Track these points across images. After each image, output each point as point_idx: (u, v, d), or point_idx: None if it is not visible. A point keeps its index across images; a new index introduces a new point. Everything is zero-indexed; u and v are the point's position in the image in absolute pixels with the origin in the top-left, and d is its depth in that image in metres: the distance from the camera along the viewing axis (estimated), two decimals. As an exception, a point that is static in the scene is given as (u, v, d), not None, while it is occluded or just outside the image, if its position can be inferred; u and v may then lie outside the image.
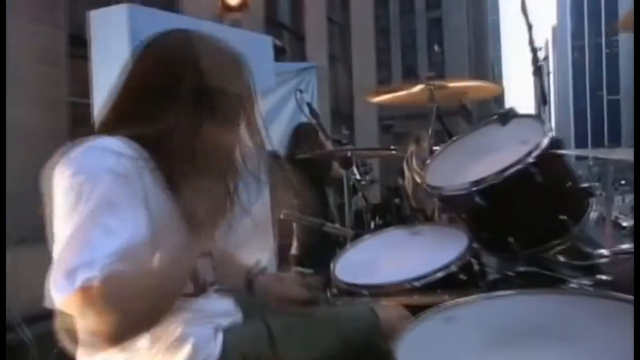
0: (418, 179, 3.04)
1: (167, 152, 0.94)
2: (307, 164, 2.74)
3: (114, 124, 0.99)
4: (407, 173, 3.66)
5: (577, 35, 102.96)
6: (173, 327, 0.98)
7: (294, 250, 3.11)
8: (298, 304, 1.22)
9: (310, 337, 1.12)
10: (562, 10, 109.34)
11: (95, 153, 0.89)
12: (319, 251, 2.29)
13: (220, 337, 1.04)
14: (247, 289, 1.27)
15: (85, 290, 0.75)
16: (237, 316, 1.14)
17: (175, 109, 0.96)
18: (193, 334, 1.00)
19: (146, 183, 0.91)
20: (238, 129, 1.03)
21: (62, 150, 0.92)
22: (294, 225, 2.95)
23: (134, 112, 0.98)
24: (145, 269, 0.83)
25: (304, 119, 5.57)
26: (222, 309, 1.11)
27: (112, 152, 0.89)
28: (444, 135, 2.55)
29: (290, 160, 2.92)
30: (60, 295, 0.77)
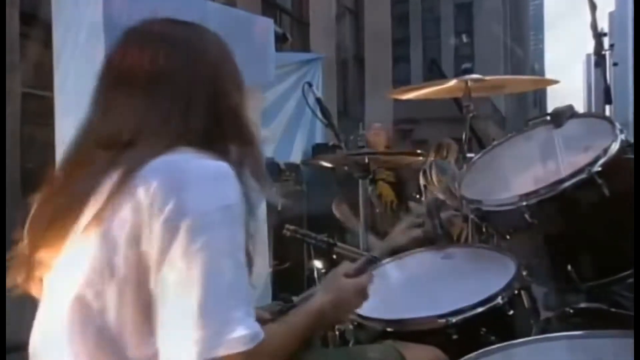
0: (440, 195, 3.02)
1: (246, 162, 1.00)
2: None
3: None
4: (426, 187, 3.66)
5: None
6: None
7: None
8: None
9: None
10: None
11: (224, 183, 0.91)
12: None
13: None
14: None
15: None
16: None
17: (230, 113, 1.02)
18: None
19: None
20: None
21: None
22: None
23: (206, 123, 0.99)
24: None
25: (306, 119, 5.54)
26: None
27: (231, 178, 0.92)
28: (472, 141, 2.54)
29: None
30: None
